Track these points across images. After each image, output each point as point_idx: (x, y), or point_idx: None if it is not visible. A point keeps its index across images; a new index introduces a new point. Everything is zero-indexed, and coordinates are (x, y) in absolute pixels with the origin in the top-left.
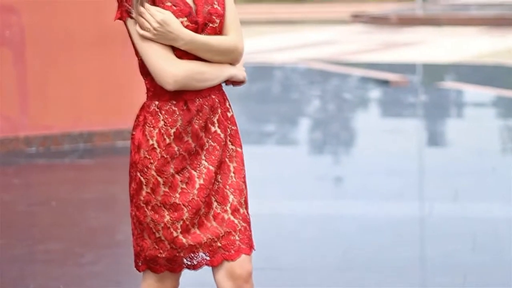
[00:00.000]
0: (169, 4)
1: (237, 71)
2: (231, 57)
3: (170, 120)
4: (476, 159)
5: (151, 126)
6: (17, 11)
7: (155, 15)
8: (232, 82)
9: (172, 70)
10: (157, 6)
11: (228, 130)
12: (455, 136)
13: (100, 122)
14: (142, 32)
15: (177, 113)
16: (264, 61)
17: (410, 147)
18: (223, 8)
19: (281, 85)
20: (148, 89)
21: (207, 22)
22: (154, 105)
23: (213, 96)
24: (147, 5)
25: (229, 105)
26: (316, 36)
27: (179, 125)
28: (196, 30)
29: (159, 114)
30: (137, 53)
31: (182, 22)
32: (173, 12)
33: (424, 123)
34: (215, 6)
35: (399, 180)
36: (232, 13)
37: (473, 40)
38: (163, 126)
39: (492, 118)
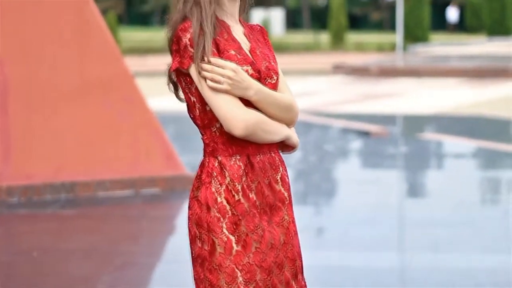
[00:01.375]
0: (233, 52)
1: (293, 134)
2: (290, 115)
3: (236, 175)
4: (456, 210)
5: (218, 183)
6: (0, 61)
7: (226, 64)
8: (282, 147)
9: (243, 115)
10: (222, 53)
11: (289, 190)
12: (435, 187)
13: (82, 172)
14: (214, 85)
15: (242, 168)
16: None
17: (391, 198)
18: (277, 67)
19: None
20: (206, 145)
21: (266, 77)
22: (217, 161)
23: (273, 154)
24: (213, 58)
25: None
26: (298, 87)
27: (244, 181)
28: (258, 80)
29: (224, 170)
30: (193, 107)
31: (247, 70)
32: (238, 61)
33: (404, 174)
34: (272, 63)
35: (379, 230)
36: (283, 77)
37: (453, 91)
38: (230, 182)
39: (472, 169)
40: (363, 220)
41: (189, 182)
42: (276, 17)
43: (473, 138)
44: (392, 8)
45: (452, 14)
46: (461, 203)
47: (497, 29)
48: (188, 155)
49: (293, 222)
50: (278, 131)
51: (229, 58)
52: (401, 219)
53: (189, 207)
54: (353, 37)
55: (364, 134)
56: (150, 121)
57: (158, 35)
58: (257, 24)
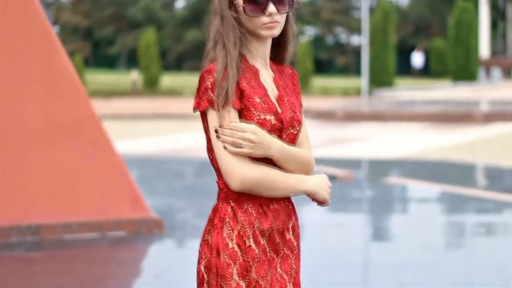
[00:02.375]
0: (257, 100)
1: (318, 190)
2: (305, 170)
3: (248, 221)
4: (420, 253)
5: (230, 228)
6: None
7: (246, 127)
8: (314, 200)
9: (242, 171)
10: (246, 99)
11: (298, 240)
12: (400, 231)
13: (49, 214)
14: (236, 150)
15: (254, 215)
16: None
17: (356, 242)
18: (302, 117)
19: None
20: (221, 189)
21: (289, 127)
22: (230, 207)
23: (287, 202)
24: (233, 123)
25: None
26: None
27: (256, 227)
28: (280, 131)
29: (237, 215)
30: (211, 149)
31: (270, 120)
32: (262, 109)
33: (369, 218)
34: (297, 113)
35: (345, 274)
36: (305, 126)
37: (418, 136)
38: (242, 228)
39: (437, 213)
40: (329, 264)
41: (155, 225)
42: None
43: (438, 182)
44: (357, 53)
45: (417, 59)
46: (426, 246)
47: (461, 74)
48: (154, 198)
49: (299, 272)
50: (286, 189)
51: (253, 105)
52: (367, 262)
53: (199, 250)
54: (319, 81)
55: (330, 178)
56: (116, 164)
57: (124, 78)
58: (289, 67)
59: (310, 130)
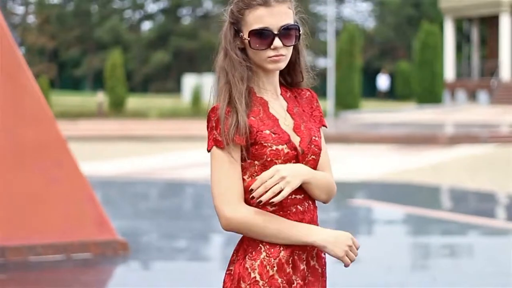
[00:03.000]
0: (267, 132)
1: (328, 245)
2: (329, 196)
3: (272, 250)
4: (386, 275)
5: (252, 258)
6: None
7: (268, 172)
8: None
9: (227, 213)
10: (255, 134)
11: (323, 266)
12: (365, 252)
13: (14, 236)
14: (281, 197)
15: (279, 243)
16: (177, 177)
17: None
18: (321, 143)
19: (193, 202)
20: None
21: (310, 154)
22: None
23: None
24: (258, 177)
25: None
26: None
27: (282, 255)
28: (296, 159)
29: (261, 245)
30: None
31: (282, 149)
32: (272, 140)
33: None
34: (316, 138)
35: None
36: (326, 150)
37: (383, 158)
38: (265, 257)
39: (401, 235)
40: None
41: (120, 247)
42: (207, 83)
43: (403, 204)
44: (323, 75)
45: (383, 82)
46: (391, 268)
47: (426, 97)
48: (119, 220)
49: None
50: (288, 238)
51: (263, 138)
52: (333, 284)
53: (223, 279)
54: None
55: None
56: (82, 186)
57: (90, 100)
58: (307, 89)
59: None
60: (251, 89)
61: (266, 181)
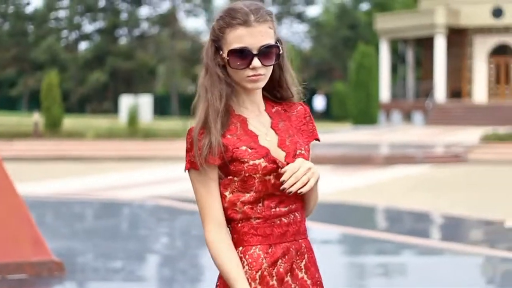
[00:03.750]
0: (243, 148)
1: None
2: (315, 206)
3: (254, 264)
4: None
5: (253, 271)
6: None
7: (295, 165)
8: None
9: (206, 234)
10: (231, 152)
11: (316, 278)
12: None
13: None
14: (309, 186)
15: (262, 256)
16: (113, 197)
17: None
18: (308, 156)
19: (129, 222)
20: (232, 236)
21: (296, 149)
22: (238, 251)
23: (300, 241)
24: (287, 168)
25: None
26: (165, 173)
27: (264, 267)
28: (276, 170)
29: (243, 259)
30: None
31: (259, 164)
32: (249, 156)
33: None
34: (302, 152)
35: None
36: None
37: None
38: (248, 270)
39: (337, 255)
40: None
41: (56, 267)
42: (144, 104)
43: (338, 224)
44: None
45: (319, 102)
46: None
47: (362, 118)
48: (55, 240)
49: None
50: (226, 276)
51: (240, 155)
52: None
53: None
54: None
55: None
56: (17, 206)
57: (26, 120)
58: (298, 103)
59: None
60: (229, 107)
61: (296, 172)
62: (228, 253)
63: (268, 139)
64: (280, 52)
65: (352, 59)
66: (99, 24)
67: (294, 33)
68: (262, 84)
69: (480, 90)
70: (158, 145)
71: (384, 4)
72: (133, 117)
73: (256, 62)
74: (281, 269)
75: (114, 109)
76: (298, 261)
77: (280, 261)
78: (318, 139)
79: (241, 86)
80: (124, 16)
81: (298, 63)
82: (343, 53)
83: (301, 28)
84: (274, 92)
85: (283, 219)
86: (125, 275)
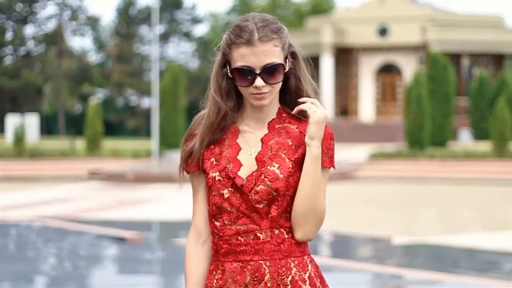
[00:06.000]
0: (212, 159)
1: None
2: (315, 222)
3: (221, 282)
4: None
5: (209, 285)
6: None
7: (310, 100)
8: None
9: (187, 237)
10: (203, 163)
11: None
12: None
13: None
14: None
15: (213, 273)
16: None
17: None
18: (284, 173)
19: (16, 243)
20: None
21: (258, 183)
22: (213, 264)
23: (260, 262)
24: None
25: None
26: (52, 193)
27: (214, 284)
28: (234, 186)
29: (214, 272)
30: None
31: (214, 177)
32: (211, 167)
33: (161, 279)
34: (272, 168)
35: None
36: (324, 180)
37: None
38: (215, 285)
39: None
40: None
41: None
42: (31, 123)
43: None
44: (148, 115)
45: None
46: None
47: None
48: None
49: None
50: (184, 272)
51: (204, 166)
52: None
53: None
54: (109, 143)
55: (120, 240)
56: None
57: None
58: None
59: (101, 192)
60: (229, 120)
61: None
62: (193, 261)
63: (251, 152)
64: (286, 70)
65: None
66: None
67: (182, 52)
68: (267, 101)
69: (367, 108)
70: (44, 165)
71: None
72: (19, 137)
73: (258, 81)
74: (232, 286)
75: (0, 129)
76: (255, 283)
77: (229, 280)
78: (327, 166)
79: (248, 100)
80: (9, 34)
81: (186, 82)
82: None
83: (188, 47)
84: (292, 106)
85: (239, 237)
86: None
